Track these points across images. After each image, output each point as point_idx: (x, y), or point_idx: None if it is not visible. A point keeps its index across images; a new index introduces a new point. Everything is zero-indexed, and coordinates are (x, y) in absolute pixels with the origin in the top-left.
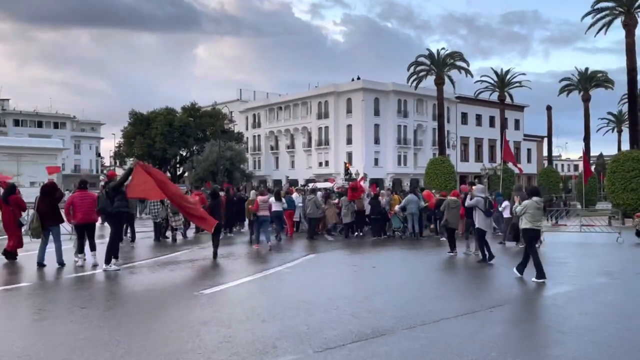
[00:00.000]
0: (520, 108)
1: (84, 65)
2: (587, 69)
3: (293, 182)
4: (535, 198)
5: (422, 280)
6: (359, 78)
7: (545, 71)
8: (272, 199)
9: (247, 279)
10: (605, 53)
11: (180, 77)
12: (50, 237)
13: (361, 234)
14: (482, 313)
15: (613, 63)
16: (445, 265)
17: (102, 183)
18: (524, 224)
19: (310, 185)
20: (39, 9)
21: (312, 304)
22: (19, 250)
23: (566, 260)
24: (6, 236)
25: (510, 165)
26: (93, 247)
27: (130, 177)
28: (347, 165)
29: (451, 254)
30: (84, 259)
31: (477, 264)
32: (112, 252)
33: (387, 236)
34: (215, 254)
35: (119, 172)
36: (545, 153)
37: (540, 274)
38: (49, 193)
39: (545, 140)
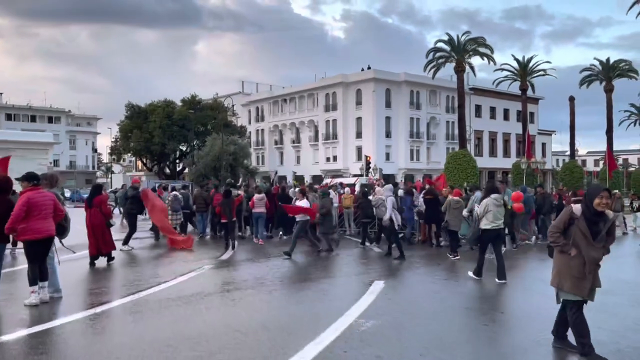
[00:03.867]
0: (535, 100)
1: (83, 61)
2: (608, 58)
3: (299, 178)
4: (494, 196)
5: None
6: (369, 68)
7: (547, 67)
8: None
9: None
10: (609, 48)
11: (180, 73)
12: None
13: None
14: None
15: (615, 58)
16: None
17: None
18: (483, 224)
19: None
20: (38, 5)
21: None
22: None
23: None
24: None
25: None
26: (45, 276)
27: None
28: (369, 158)
29: (456, 257)
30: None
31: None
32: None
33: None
34: (229, 245)
35: (116, 168)
36: (553, 148)
37: (479, 272)
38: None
39: (553, 135)
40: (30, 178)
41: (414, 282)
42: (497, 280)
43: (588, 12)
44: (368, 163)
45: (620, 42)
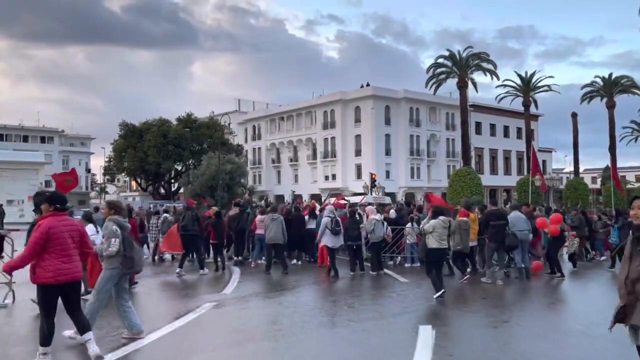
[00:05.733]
0: (535, 117)
1: (79, 82)
2: (611, 74)
3: (297, 197)
4: (441, 217)
5: None
6: (368, 85)
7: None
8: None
9: None
10: (602, 67)
11: (176, 94)
12: None
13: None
14: None
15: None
16: None
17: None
18: (431, 243)
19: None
20: (34, 26)
21: None
22: None
23: None
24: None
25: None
26: (87, 326)
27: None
28: (374, 175)
29: (466, 276)
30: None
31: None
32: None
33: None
34: (218, 268)
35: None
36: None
37: (439, 286)
38: None
39: (553, 152)
40: (52, 200)
41: (468, 327)
42: (434, 295)
43: (580, 31)
44: (374, 181)
45: (613, 61)
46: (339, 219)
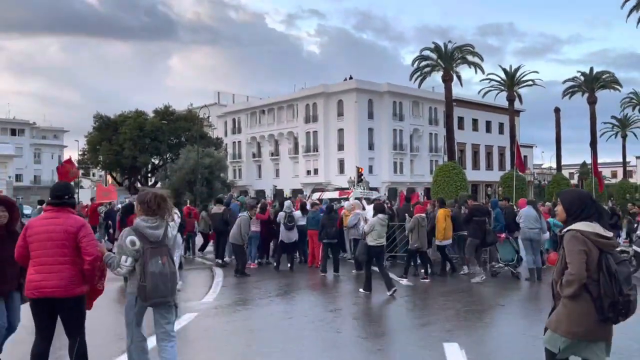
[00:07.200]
0: (516, 113)
1: (53, 74)
2: (592, 68)
3: (279, 192)
4: (380, 215)
5: None
6: (351, 78)
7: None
8: (296, 213)
9: None
10: (578, 64)
11: (153, 87)
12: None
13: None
14: None
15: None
16: None
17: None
18: (369, 240)
19: (317, 194)
20: (6, 17)
21: None
22: None
23: None
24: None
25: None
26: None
27: None
28: (361, 170)
29: (423, 278)
30: None
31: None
32: None
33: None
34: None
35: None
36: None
37: (368, 286)
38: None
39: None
40: (54, 192)
41: (498, 342)
42: (387, 293)
43: (557, 29)
44: (360, 175)
45: (589, 58)
46: (297, 213)
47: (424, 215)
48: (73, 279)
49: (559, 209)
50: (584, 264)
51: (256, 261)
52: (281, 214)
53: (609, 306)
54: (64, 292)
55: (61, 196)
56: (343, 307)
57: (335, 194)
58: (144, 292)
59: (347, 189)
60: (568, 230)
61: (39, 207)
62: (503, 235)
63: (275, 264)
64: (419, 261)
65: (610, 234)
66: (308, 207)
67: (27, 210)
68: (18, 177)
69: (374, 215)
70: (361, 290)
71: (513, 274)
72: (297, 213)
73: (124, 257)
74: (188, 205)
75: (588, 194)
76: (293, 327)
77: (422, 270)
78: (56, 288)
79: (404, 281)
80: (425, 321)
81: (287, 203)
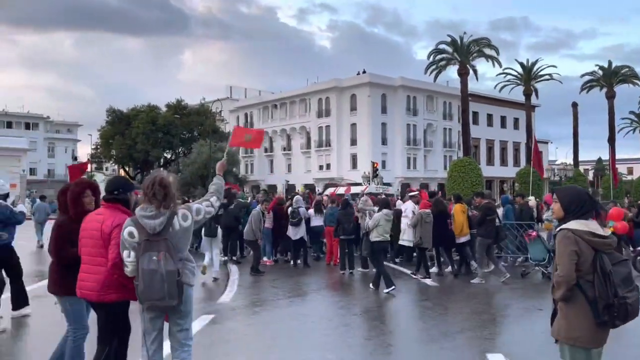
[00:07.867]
0: (532, 108)
1: (66, 69)
2: (610, 62)
3: (291, 187)
4: (385, 211)
5: None
6: (364, 72)
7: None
8: (311, 211)
9: None
10: (594, 60)
11: (166, 81)
12: None
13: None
14: None
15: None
16: None
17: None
18: (374, 236)
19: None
20: (21, 12)
21: None
22: None
23: None
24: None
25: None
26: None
27: None
28: (376, 164)
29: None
30: None
31: None
32: None
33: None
34: None
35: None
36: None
37: (389, 283)
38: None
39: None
40: (105, 187)
41: (546, 352)
42: (384, 290)
43: (572, 24)
44: (375, 170)
45: (605, 53)
46: (304, 208)
47: (428, 211)
48: (108, 282)
49: (556, 206)
50: (573, 265)
51: (272, 258)
52: (290, 209)
53: (603, 308)
54: (96, 297)
55: (111, 191)
56: (368, 310)
57: (343, 190)
58: (138, 292)
59: (360, 184)
60: (560, 230)
61: (38, 201)
62: (534, 233)
63: (292, 261)
64: (442, 258)
65: (606, 233)
66: (326, 203)
67: (21, 207)
68: (32, 171)
69: (379, 210)
70: (385, 290)
71: (544, 275)
72: (311, 212)
73: (126, 252)
74: None
75: (585, 191)
76: (316, 332)
77: (420, 270)
78: (90, 291)
79: (428, 281)
80: (459, 327)
81: (296, 198)
